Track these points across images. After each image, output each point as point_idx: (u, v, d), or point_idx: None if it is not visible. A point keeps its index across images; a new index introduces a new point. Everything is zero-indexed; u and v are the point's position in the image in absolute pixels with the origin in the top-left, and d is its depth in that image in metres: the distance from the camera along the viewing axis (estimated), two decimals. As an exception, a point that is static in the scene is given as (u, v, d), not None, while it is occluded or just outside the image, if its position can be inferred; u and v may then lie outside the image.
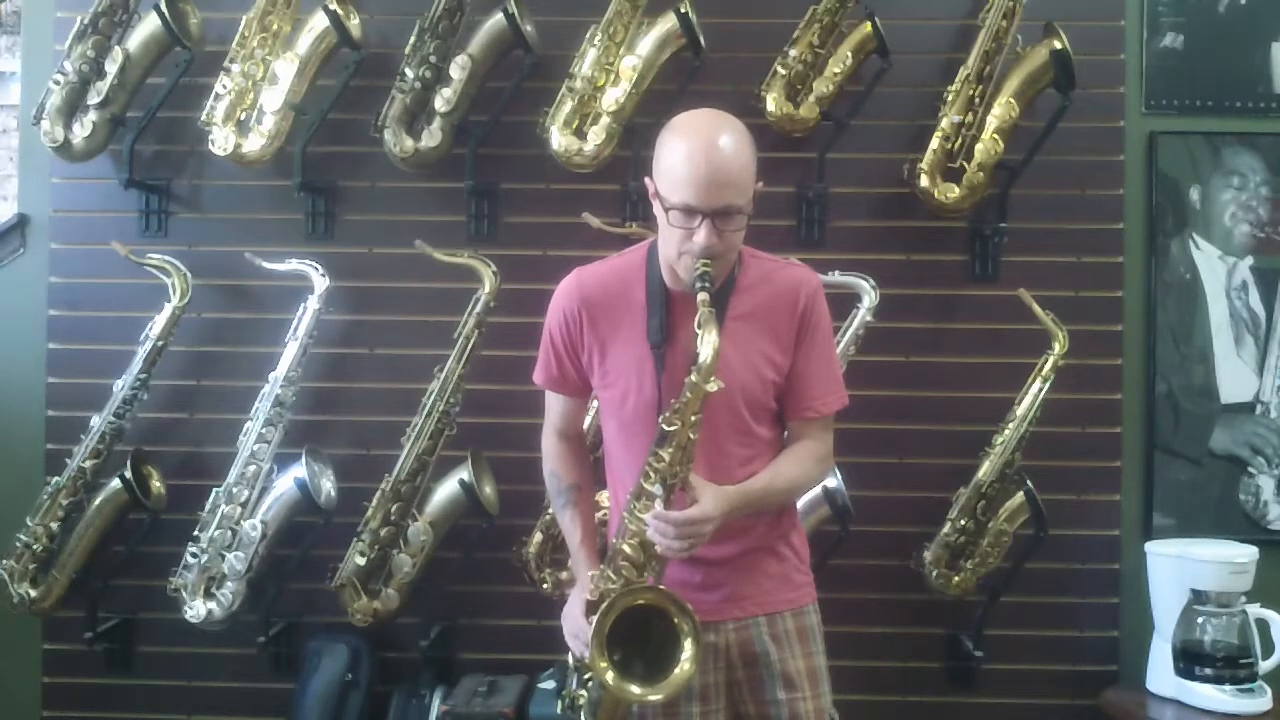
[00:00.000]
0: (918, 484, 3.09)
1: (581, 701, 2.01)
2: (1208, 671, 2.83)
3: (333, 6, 2.98)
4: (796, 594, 2.13)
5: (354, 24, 3.06)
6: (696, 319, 1.89)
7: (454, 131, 3.06)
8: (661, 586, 1.95)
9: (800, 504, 2.55)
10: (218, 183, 3.20)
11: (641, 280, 2.06)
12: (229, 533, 2.95)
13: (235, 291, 3.18)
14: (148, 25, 3.05)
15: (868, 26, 3.00)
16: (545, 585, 2.97)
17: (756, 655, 2.06)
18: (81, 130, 3.05)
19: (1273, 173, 3.18)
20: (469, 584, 3.09)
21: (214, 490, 2.98)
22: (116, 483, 2.98)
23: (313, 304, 3.01)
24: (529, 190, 3.17)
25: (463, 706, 2.87)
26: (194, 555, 2.96)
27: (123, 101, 3.09)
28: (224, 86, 3.02)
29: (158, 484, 3.10)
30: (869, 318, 2.99)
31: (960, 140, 3.00)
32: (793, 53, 3.03)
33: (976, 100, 3.00)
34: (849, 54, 3.02)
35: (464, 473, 2.94)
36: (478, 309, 2.97)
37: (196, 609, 2.95)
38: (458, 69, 3.01)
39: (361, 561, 2.96)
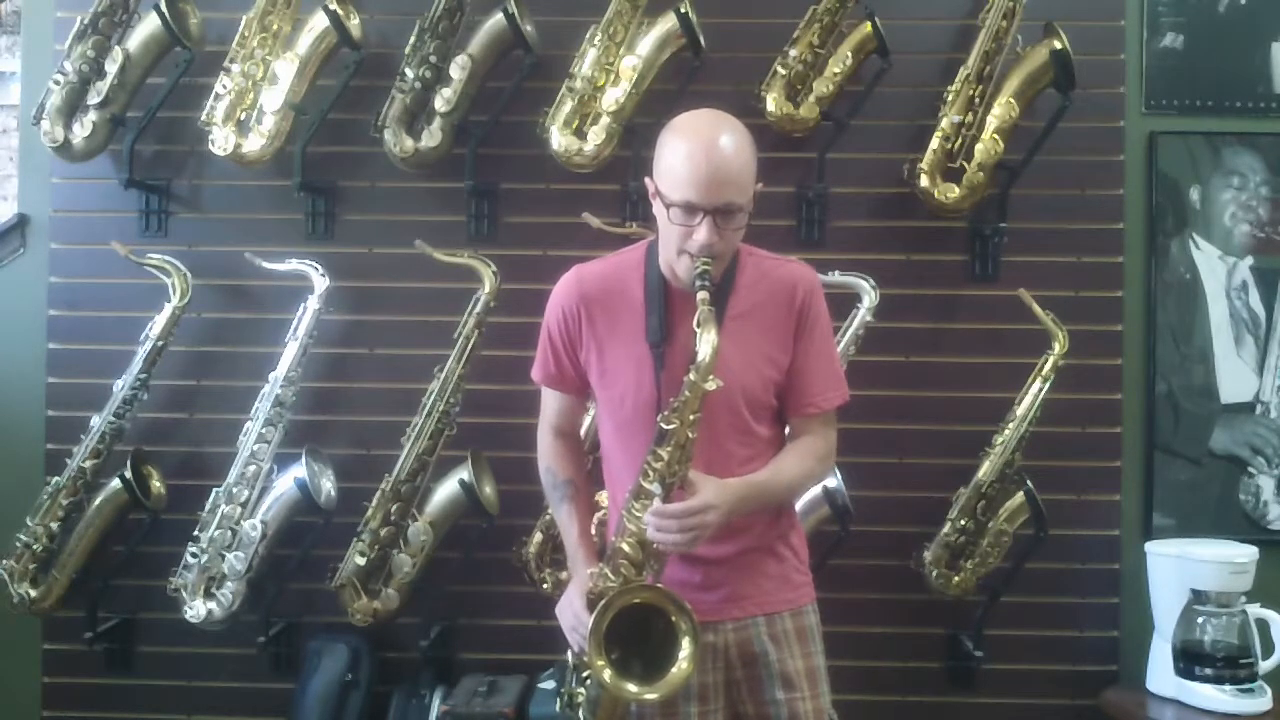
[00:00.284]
0: (918, 484, 3.09)
1: (580, 700, 2.01)
2: (1208, 671, 2.83)
3: (333, 6, 2.98)
4: (795, 594, 2.12)
5: (354, 24, 3.06)
6: (695, 318, 1.89)
7: (454, 131, 3.06)
8: (660, 585, 1.95)
9: (800, 504, 2.56)
10: (218, 183, 3.20)
11: (640, 279, 2.07)
12: (229, 533, 2.95)
13: (235, 291, 3.18)
14: (148, 25, 3.05)
15: (868, 26, 3.00)
16: (545, 585, 2.96)
17: (755, 655, 2.06)
18: (81, 130, 3.05)
19: (1273, 173, 3.18)
20: (469, 584, 3.09)
21: (214, 490, 2.98)
22: (116, 483, 2.98)
23: (313, 304, 3.01)
24: (529, 190, 3.17)
25: (463, 706, 2.87)
26: (194, 555, 2.96)
27: (123, 101, 3.09)
28: (224, 86, 3.02)
29: (158, 484, 3.10)
30: (869, 318, 2.99)
31: (960, 140, 3.00)
32: (793, 53, 3.03)
33: (976, 100, 3.00)
34: (849, 54, 3.02)
35: (464, 473, 2.94)
36: (478, 309, 2.97)
37: (196, 609, 2.95)
38: (458, 69, 3.01)
39: (361, 561, 2.96)
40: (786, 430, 2.14)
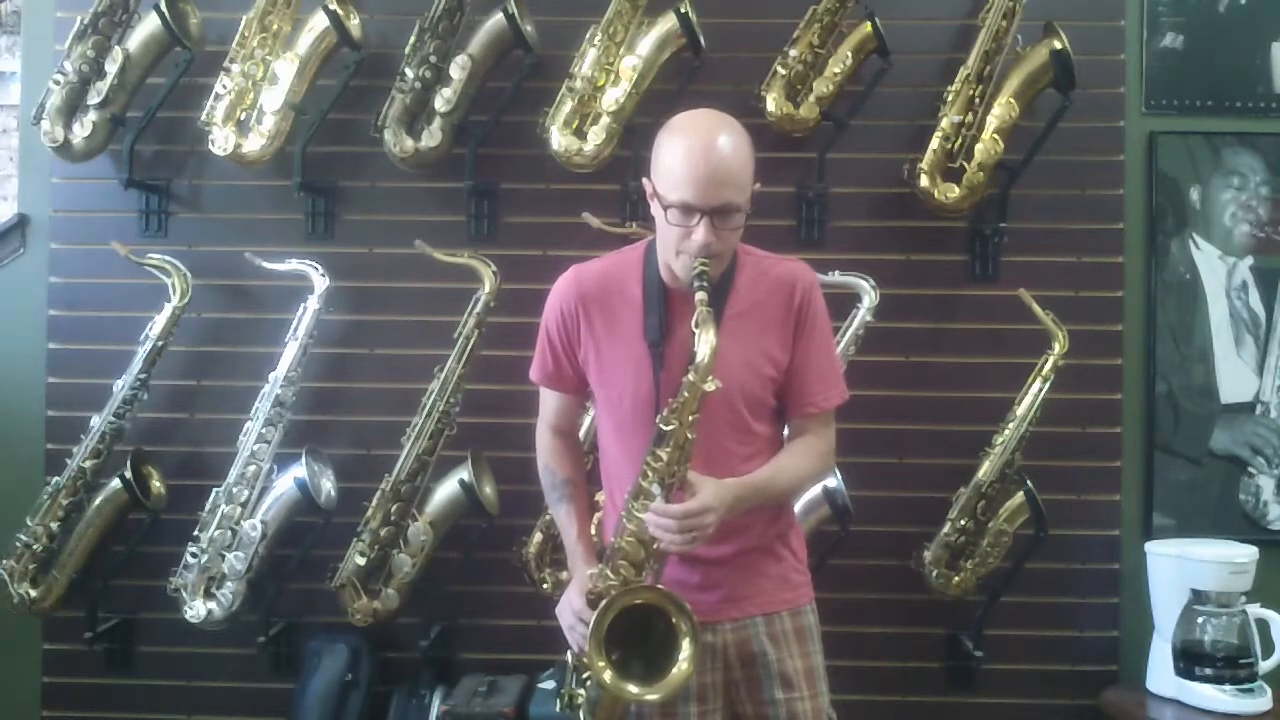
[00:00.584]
0: (918, 484, 3.09)
1: (580, 700, 2.01)
2: (1208, 671, 2.83)
3: (333, 6, 2.98)
4: (794, 594, 2.12)
5: (354, 24, 3.06)
6: (694, 318, 1.89)
7: (454, 131, 3.06)
8: (661, 586, 1.95)
9: (800, 504, 2.56)
10: (218, 183, 3.20)
11: (639, 278, 2.07)
12: (229, 533, 2.95)
13: (235, 291, 3.18)
14: (148, 25, 3.05)
15: (868, 26, 3.00)
16: (545, 585, 2.96)
17: (754, 655, 2.06)
18: (81, 130, 3.05)
19: (1273, 173, 3.18)
20: (469, 584, 3.09)
21: (214, 490, 2.98)
22: (116, 483, 2.98)
23: (313, 304, 3.01)
24: (529, 190, 3.17)
25: (463, 706, 2.87)
26: (194, 555, 2.96)
27: (123, 101, 3.09)
28: (224, 86, 3.02)
29: (158, 484, 3.10)
30: (869, 318, 2.99)
31: (960, 140, 3.00)
32: (793, 53, 3.03)
33: (976, 100, 3.00)
34: (849, 54, 3.02)
35: (464, 473, 2.94)
36: (478, 309, 2.97)
37: (196, 609, 2.95)
38: (458, 69, 3.01)
39: (361, 561, 2.96)
40: (785, 430, 2.14)
